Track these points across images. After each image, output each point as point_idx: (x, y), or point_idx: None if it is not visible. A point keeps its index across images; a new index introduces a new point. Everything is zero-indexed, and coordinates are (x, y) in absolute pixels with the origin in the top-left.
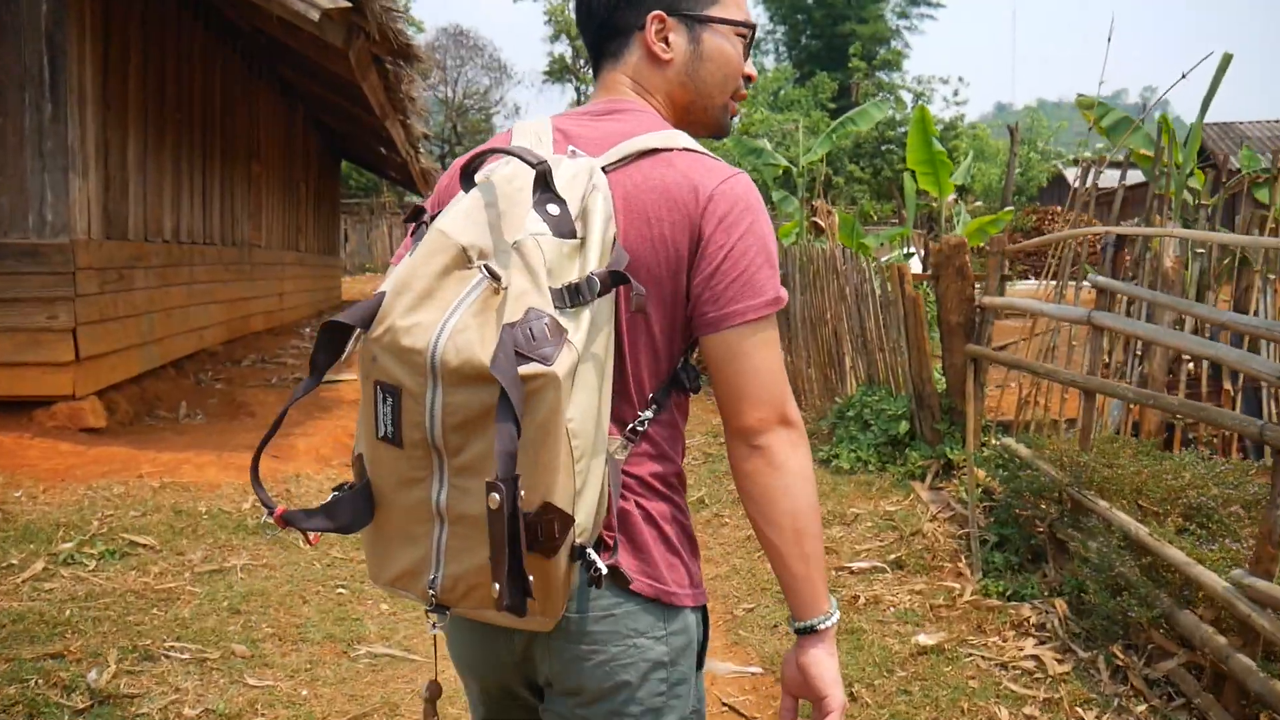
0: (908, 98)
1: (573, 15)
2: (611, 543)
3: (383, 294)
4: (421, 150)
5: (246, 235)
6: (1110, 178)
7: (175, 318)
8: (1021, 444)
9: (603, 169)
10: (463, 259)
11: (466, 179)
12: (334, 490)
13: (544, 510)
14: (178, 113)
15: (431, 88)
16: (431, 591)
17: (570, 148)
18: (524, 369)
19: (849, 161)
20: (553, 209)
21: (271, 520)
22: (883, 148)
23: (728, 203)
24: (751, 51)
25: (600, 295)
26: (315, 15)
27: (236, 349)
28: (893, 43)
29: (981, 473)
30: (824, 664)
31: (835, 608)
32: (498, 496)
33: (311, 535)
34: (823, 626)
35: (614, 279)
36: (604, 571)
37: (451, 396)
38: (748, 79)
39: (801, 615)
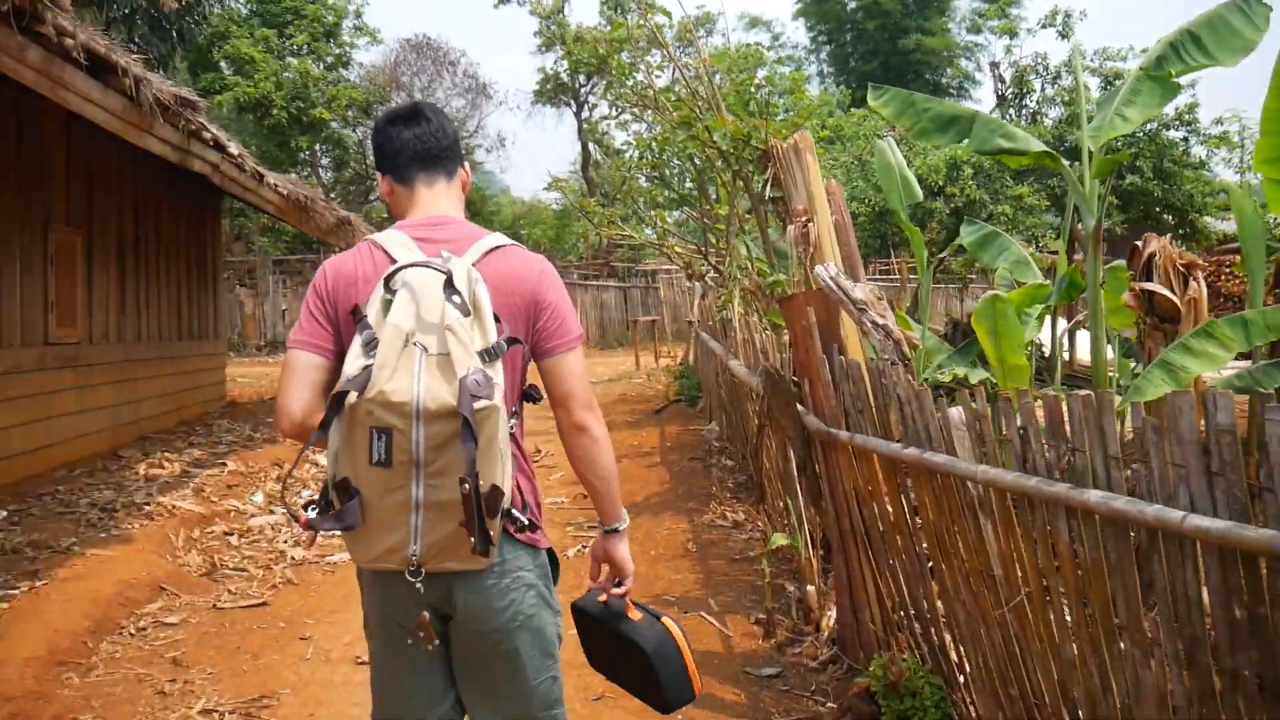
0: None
1: (566, 20)
2: (518, 508)
3: (368, 370)
4: (234, 150)
5: None
6: None
7: None
8: None
9: (473, 264)
10: (407, 341)
11: (386, 287)
12: (311, 504)
13: (493, 490)
14: None
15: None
16: (414, 557)
17: (443, 251)
18: (478, 405)
19: (1009, 178)
20: (456, 299)
21: (300, 526)
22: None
23: (550, 277)
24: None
25: (504, 353)
26: None
27: None
28: (962, 62)
29: None
30: (622, 549)
31: (626, 517)
32: (468, 486)
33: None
34: (621, 527)
35: (509, 342)
36: (527, 524)
37: (430, 428)
38: None
39: (608, 523)
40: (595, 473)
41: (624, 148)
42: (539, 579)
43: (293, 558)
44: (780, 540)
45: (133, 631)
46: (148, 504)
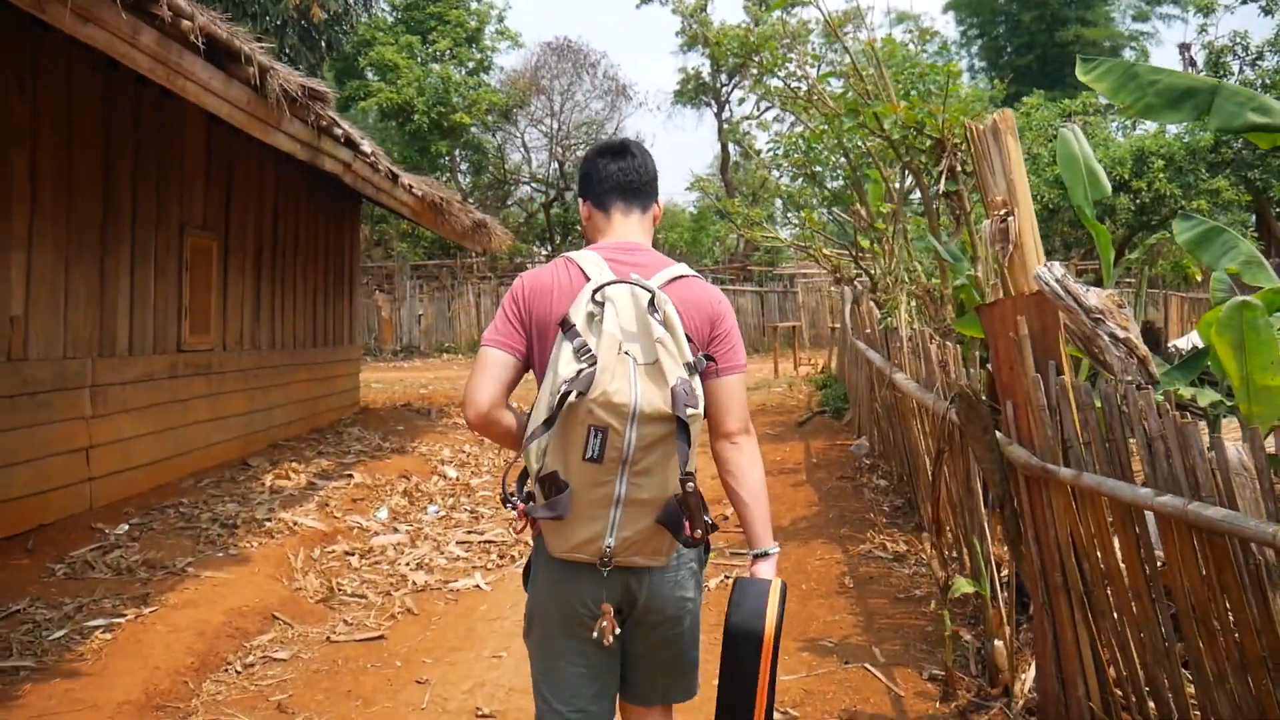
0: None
1: (709, 19)
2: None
3: (589, 373)
4: (367, 149)
5: None
6: None
7: None
8: None
9: (660, 287)
10: (618, 349)
11: (593, 300)
12: (515, 497)
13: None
14: None
15: (535, 122)
16: (608, 549)
17: (631, 274)
18: (689, 411)
19: (1205, 170)
20: (658, 316)
21: (515, 515)
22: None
23: (726, 306)
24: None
25: (703, 368)
26: None
27: None
28: (1127, 53)
29: None
30: (769, 573)
31: (776, 544)
32: (691, 484)
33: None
34: (772, 552)
35: (708, 358)
36: (712, 525)
37: (643, 429)
38: None
39: (757, 545)
40: (746, 488)
41: (766, 147)
42: (696, 561)
43: (414, 583)
44: (966, 587)
45: (239, 669)
46: (269, 520)
